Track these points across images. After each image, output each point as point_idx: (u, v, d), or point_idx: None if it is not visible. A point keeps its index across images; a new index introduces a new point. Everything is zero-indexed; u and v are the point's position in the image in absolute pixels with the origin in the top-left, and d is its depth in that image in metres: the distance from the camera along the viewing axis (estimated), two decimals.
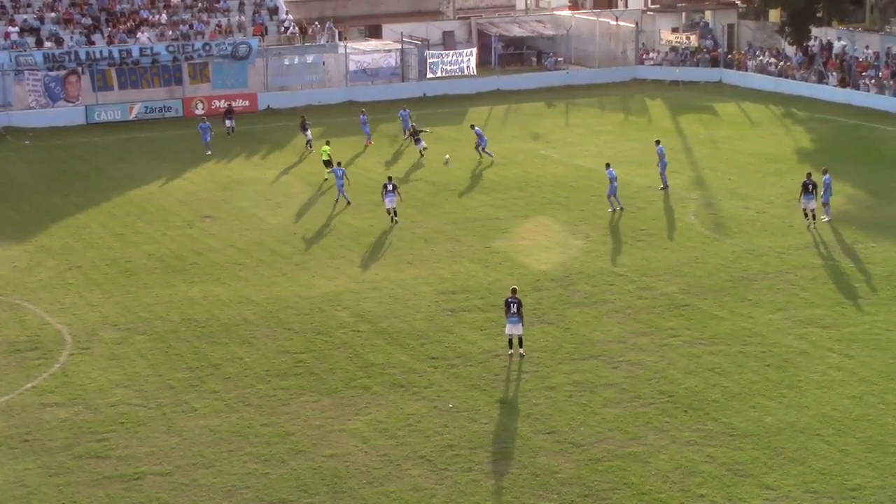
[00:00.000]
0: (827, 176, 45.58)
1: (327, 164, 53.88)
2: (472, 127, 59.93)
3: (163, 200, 51.40)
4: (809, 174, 45.45)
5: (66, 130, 67.83)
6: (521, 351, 32.66)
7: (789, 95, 75.09)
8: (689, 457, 26.61)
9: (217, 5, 79.09)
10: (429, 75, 79.15)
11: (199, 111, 71.84)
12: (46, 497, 25.47)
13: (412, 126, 60.67)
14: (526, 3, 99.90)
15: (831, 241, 42.92)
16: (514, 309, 32.33)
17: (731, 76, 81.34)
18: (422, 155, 58.45)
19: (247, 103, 73.43)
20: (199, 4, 78.81)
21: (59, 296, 38.82)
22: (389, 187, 46.94)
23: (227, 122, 64.52)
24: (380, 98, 76.33)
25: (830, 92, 73.76)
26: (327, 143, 55.79)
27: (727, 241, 43.61)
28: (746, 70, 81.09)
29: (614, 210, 47.27)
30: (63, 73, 70.30)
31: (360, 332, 34.89)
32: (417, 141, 59.33)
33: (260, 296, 38.36)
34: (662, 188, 51.09)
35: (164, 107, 71.88)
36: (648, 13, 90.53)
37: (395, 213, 46.83)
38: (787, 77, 77.89)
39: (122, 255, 43.38)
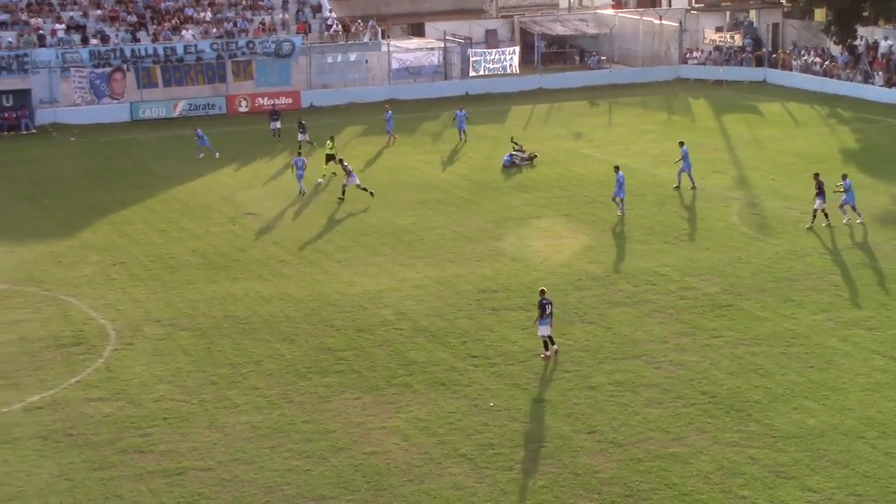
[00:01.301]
0: (847, 181, 45.15)
1: (330, 158, 54.29)
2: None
3: (206, 197, 51.68)
4: (817, 174, 45.13)
5: (110, 127, 68.35)
6: (556, 347, 32.68)
7: (834, 95, 74.53)
8: (730, 458, 26.49)
9: (261, 3, 79.41)
10: (471, 74, 79.13)
11: (243, 108, 72.20)
12: (90, 491, 25.69)
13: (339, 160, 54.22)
14: (569, 2, 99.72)
15: (876, 243, 42.58)
16: (549, 310, 32.27)
17: (775, 76, 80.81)
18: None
19: (290, 101, 73.69)
20: (244, 2, 79.17)
21: (103, 291, 39.11)
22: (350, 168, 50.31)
23: (273, 125, 64.21)
24: (422, 96, 76.43)
25: (876, 92, 73.15)
26: (331, 139, 55.84)
27: (770, 241, 43.36)
28: (791, 70, 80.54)
29: (622, 212, 46.92)
30: (108, 70, 70.84)
31: (402, 330, 34.94)
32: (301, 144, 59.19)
33: (302, 293, 38.50)
34: (683, 188, 50.93)
35: (208, 104, 72.26)
36: (692, 12, 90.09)
37: (365, 189, 49.97)
38: (832, 77, 77.32)
39: (165, 251, 43.66)
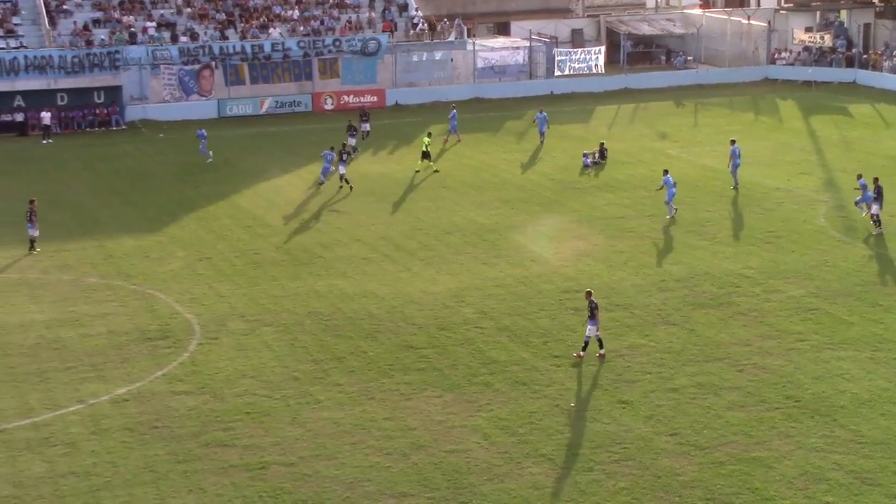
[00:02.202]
0: (862, 180, 45.30)
1: (425, 155, 54.67)
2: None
3: (291, 194, 52.09)
4: (876, 179, 44.45)
5: (198, 124, 69.07)
6: (602, 351, 32.64)
7: None
8: (815, 463, 26.18)
9: (348, 2, 79.86)
10: (556, 73, 78.89)
11: (329, 106, 72.66)
12: (174, 483, 26.04)
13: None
14: (656, 2, 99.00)
15: None
16: (596, 312, 32.25)
17: (865, 77, 79.56)
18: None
19: (375, 99, 74.03)
20: (331, 1, 79.67)
21: (189, 286, 39.60)
22: (343, 156, 52.35)
23: (364, 126, 63.87)
24: (507, 95, 76.39)
25: None
26: (428, 135, 56.09)
27: (858, 244, 42.75)
28: (882, 70, 79.28)
29: (672, 216, 46.45)
30: (197, 67, 71.66)
31: (483, 329, 34.97)
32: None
33: (384, 290, 38.67)
34: (733, 188, 50.53)
35: (294, 101, 72.81)
36: (781, 12, 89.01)
37: (345, 180, 52.04)
38: None
39: (250, 247, 44.10)
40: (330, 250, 43.45)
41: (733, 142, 51.89)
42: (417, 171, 54.94)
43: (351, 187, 52.09)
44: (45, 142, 65.01)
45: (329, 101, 73.36)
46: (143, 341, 34.55)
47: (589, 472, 26.14)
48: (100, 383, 31.50)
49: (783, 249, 42.31)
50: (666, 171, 47.50)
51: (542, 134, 61.59)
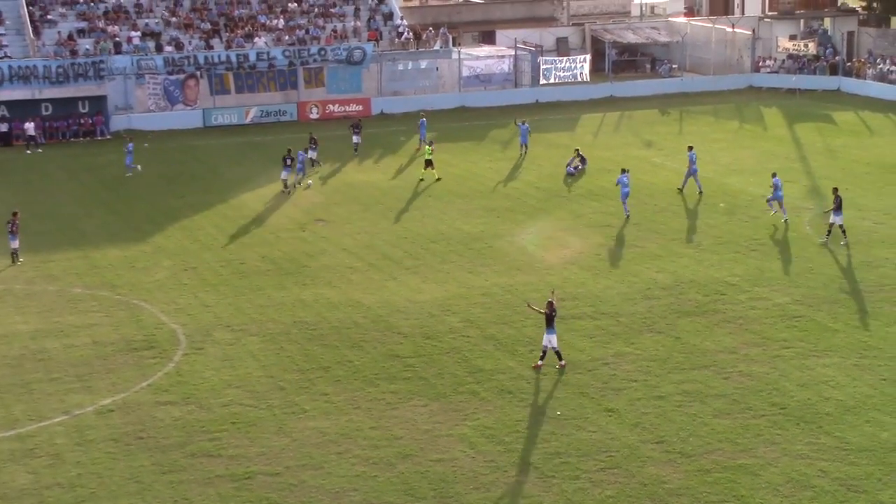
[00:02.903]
0: (775, 179, 47.34)
1: (428, 164, 54.87)
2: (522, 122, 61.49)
3: (276, 203, 52.05)
4: (836, 189, 44.42)
5: (183, 133, 69.11)
6: (563, 362, 32.50)
7: None
8: (800, 470, 26.22)
9: (333, 11, 79.94)
10: (542, 81, 79.04)
11: (314, 115, 72.68)
12: (160, 493, 25.96)
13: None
14: (641, 10, 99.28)
15: None
16: (553, 321, 32.22)
17: (849, 84, 79.89)
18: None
19: (360, 108, 74.06)
20: (316, 10, 79.73)
21: (174, 296, 39.53)
22: (287, 161, 53.40)
23: (355, 139, 62.87)
24: (493, 104, 76.48)
25: None
26: (430, 144, 56.19)
27: (843, 251, 42.85)
28: (866, 78, 79.59)
29: (628, 215, 47.90)
30: (182, 76, 71.63)
31: (469, 338, 34.96)
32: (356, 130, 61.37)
33: (370, 299, 38.65)
34: (699, 193, 51.42)
35: (280, 111, 72.82)
36: (765, 20, 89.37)
37: (285, 185, 53.37)
38: None
39: (235, 256, 44.04)
40: (315, 259, 43.42)
41: (690, 148, 52.73)
42: (421, 180, 54.94)
43: (289, 192, 53.31)
44: (29, 152, 64.89)
45: (314, 110, 73.37)
46: (128, 352, 34.46)
47: (575, 480, 26.14)
48: (85, 394, 31.40)
49: (768, 257, 42.41)
50: (624, 170, 48.91)
51: (524, 145, 61.32)
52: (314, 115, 72.91)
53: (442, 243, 45.12)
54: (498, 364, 32.86)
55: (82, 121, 69.14)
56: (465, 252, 43.88)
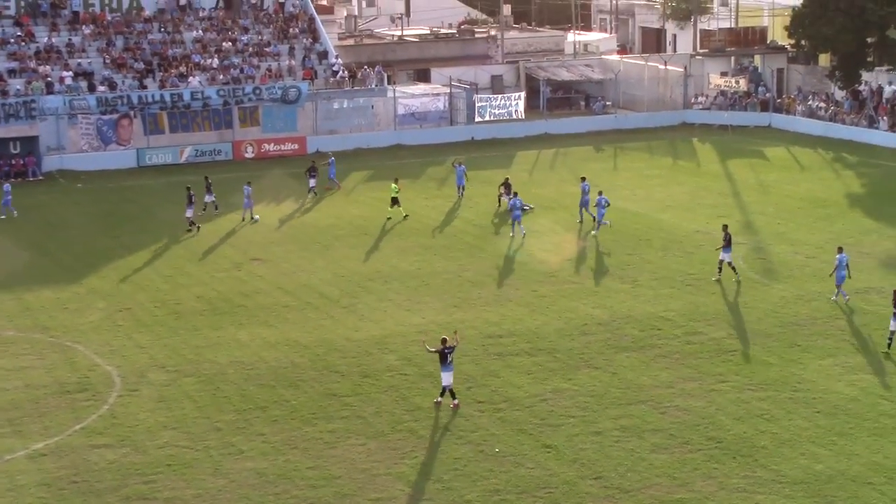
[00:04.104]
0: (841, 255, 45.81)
1: (394, 201, 55.08)
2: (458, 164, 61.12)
3: (211, 243, 51.74)
4: (726, 226, 44.48)
5: (117, 173, 68.51)
6: (456, 401, 32.55)
7: (839, 140, 74.61)
8: None
9: (267, 50, 79.86)
10: (477, 119, 79.33)
11: (249, 154, 72.44)
12: None
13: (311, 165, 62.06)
14: (574, 48, 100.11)
15: (883, 287, 42.42)
16: (450, 359, 32.28)
17: (780, 120, 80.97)
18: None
19: (296, 147, 73.90)
20: (250, 49, 79.61)
21: (108, 337, 39.11)
22: (192, 199, 53.61)
23: (311, 182, 61.70)
24: (428, 142, 76.61)
25: (882, 136, 73.28)
26: (395, 181, 56.21)
27: (776, 286, 43.31)
28: (796, 114, 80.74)
29: (581, 221, 51.16)
30: (115, 116, 71.11)
31: (407, 376, 34.89)
32: (312, 177, 61.02)
33: (307, 338, 38.48)
34: (579, 221, 53.35)
35: (215, 150, 72.45)
36: (697, 57, 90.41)
37: (190, 223, 53.49)
38: (837, 122, 77.48)
39: (171, 297, 43.68)
40: (251, 299, 43.17)
41: (583, 179, 54.15)
42: (389, 218, 54.80)
43: (198, 228, 53.29)
44: None
45: (250, 149, 73.12)
46: (61, 394, 34.00)
47: None
48: (16, 438, 30.92)
49: (703, 292, 42.75)
50: (583, 178, 52.17)
51: (460, 187, 60.22)
52: (249, 154, 72.66)
53: (379, 281, 45.05)
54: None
55: (13, 161, 68.28)
56: (401, 290, 43.84)
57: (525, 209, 54.04)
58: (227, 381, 34.77)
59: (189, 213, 53.75)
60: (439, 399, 32.58)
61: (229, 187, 61.58)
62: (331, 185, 62.66)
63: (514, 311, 40.92)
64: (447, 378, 32.32)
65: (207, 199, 57.20)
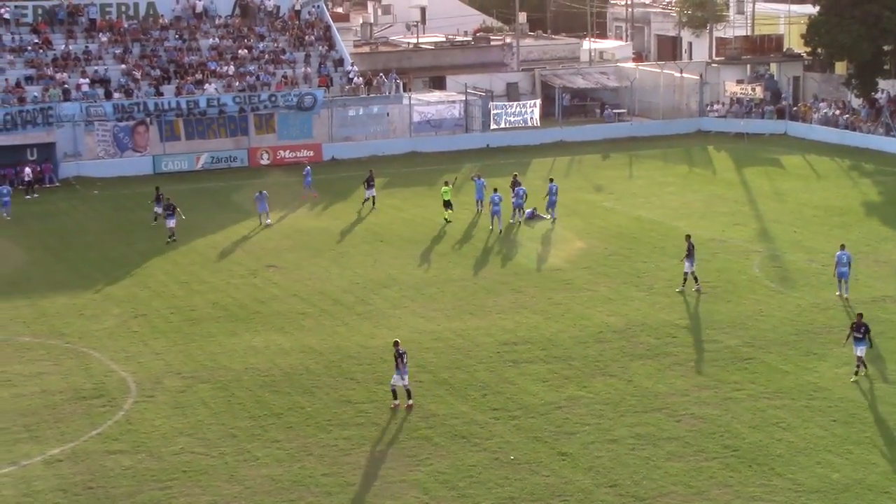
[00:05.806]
0: (552, 184, 55.10)
1: (447, 204, 55.51)
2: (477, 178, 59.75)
3: (227, 249, 51.82)
4: (689, 237, 44.25)
5: (133, 180, 68.70)
6: (411, 402, 32.90)
7: (856, 148, 74.44)
8: None
9: (283, 57, 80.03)
10: (492, 126, 79.41)
11: (265, 161, 72.59)
12: None
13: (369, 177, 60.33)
14: (590, 55, 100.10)
15: None
16: (404, 360, 32.67)
17: (796, 128, 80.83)
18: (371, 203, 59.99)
19: (311, 154, 74.03)
20: (266, 56, 79.81)
21: (124, 344, 39.19)
22: (171, 209, 53.43)
23: (368, 192, 59.75)
24: (444, 149, 76.69)
25: None
26: (446, 184, 56.55)
27: (792, 294, 43.20)
28: (812, 122, 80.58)
29: (553, 219, 54.11)
30: (132, 123, 71.35)
31: (422, 383, 34.87)
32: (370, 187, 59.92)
33: (322, 345, 38.50)
34: (552, 220, 55.06)
35: (230, 157, 72.63)
36: (713, 65, 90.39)
37: (172, 233, 53.23)
38: (853, 129, 77.29)
39: (186, 303, 43.75)
40: (267, 305, 43.21)
41: (552, 180, 56.32)
42: (449, 222, 55.28)
43: (175, 240, 53.06)
44: None
45: (265, 156, 73.27)
46: (77, 400, 34.07)
47: None
48: (32, 444, 30.99)
49: (719, 299, 42.66)
50: (551, 179, 54.26)
51: (479, 201, 57.89)
52: (265, 161, 72.82)
53: (394, 288, 45.06)
54: (451, 409, 32.77)
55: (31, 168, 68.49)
56: (416, 297, 43.84)
57: (535, 215, 56.07)
58: (243, 388, 34.81)
59: (171, 223, 53.26)
60: (395, 402, 32.86)
61: (244, 195, 61.72)
62: (307, 195, 62.25)
63: (529, 318, 40.89)
64: (397, 379, 32.77)
65: (157, 209, 56.59)
